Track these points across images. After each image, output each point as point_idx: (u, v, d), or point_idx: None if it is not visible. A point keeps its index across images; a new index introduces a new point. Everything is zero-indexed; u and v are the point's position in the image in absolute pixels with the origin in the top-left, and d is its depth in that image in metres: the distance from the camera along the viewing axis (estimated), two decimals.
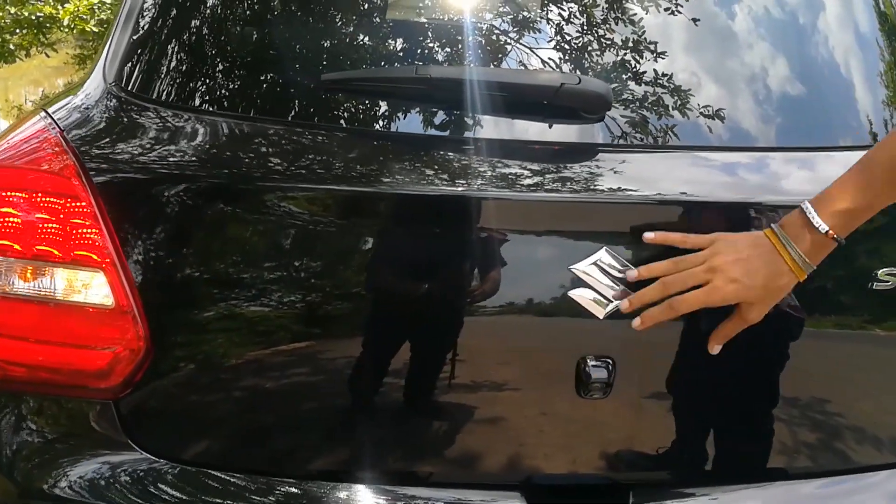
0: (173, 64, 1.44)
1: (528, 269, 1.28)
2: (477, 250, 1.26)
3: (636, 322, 1.21)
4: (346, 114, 1.38)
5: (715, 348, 1.24)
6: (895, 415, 1.41)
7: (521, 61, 1.43)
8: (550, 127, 1.32)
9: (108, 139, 1.32)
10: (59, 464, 1.27)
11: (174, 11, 1.49)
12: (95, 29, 7.99)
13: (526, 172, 1.27)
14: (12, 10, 7.99)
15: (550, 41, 1.46)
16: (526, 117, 1.33)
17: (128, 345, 1.22)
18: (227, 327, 1.26)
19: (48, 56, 9.27)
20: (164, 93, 1.39)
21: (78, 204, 1.21)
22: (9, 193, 1.23)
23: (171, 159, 1.26)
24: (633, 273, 1.21)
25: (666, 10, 1.47)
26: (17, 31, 8.31)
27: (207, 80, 1.43)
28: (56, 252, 1.22)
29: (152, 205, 1.24)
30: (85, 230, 1.21)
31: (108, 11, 8.08)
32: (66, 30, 8.17)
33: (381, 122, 1.38)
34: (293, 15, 1.51)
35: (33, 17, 7.99)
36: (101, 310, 1.22)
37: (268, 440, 1.32)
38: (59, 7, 7.98)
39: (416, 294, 1.28)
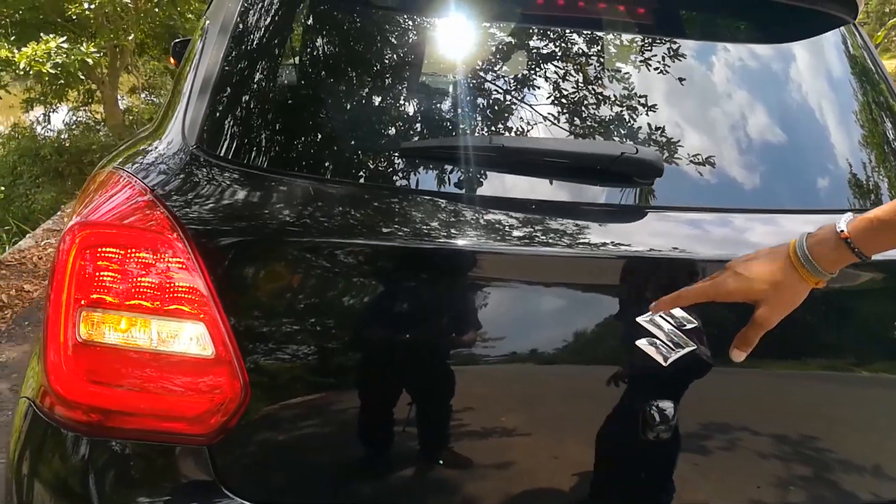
0: (257, 129, 1.54)
1: (596, 321, 1.41)
2: (555, 305, 1.41)
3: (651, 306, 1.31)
4: (423, 177, 1.49)
5: (738, 355, 1.29)
6: None
7: (581, 131, 1.58)
8: (609, 191, 1.47)
9: (197, 197, 1.40)
10: None
11: (257, 78, 1.59)
12: (53, 71, 7.92)
13: (590, 231, 1.41)
14: None
15: (610, 114, 1.61)
16: (588, 182, 1.47)
17: (224, 392, 1.31)
18: (319, 375, 1.37)
19: (0, 98, 9.15)
20: (248, 155, 1.48)
21: (176, 259, 1.30)
22: (109, 250, 1.32)
23: (260, 218, 1.37)
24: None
25: (709, 92, 1.61)
26: None
27: (290, 145, 1.53)
28: (157, 305, 1.30)
29: (246, 259, 1.34)
30: (184, 284, 1.30)
31: (64, 56, 8.03)
32: (22, 73, 8.06)
33: (455, 186, 1.48)
34: (372, 86, 1.63)
35: None
36: (200, 360, 1.31)
37: (358, 486, 1.39)
38: (15, 51, 7.90)
39: (499, 344, 1.39)
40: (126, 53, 10.60)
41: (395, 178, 1.49)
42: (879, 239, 1.16)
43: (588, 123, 1.60)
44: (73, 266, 1.31)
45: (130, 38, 9.60)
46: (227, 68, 1.55)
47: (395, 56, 1.67)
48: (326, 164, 1.50)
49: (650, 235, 1.42)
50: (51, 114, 11.70)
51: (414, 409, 1.38)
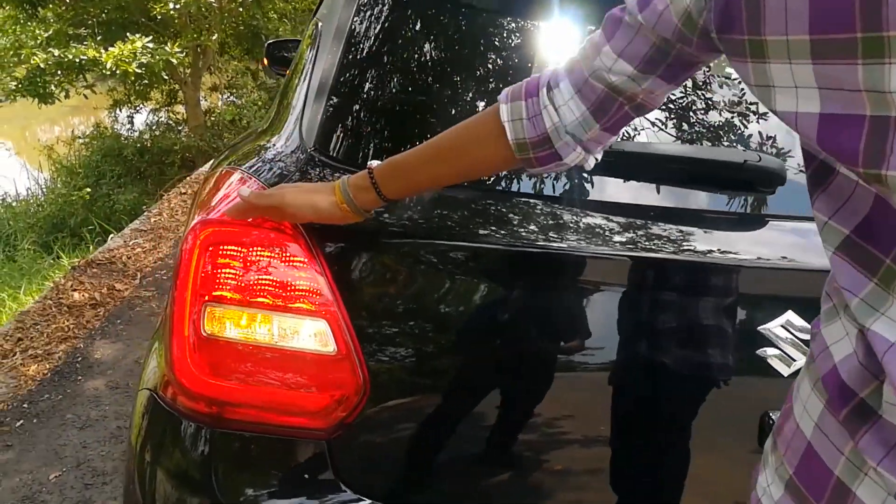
0: (374, 132, 1.50)
1: (719, 330, 1.35)
2: (685, 311, 1.34)
3: None
4: (540, 181, 1.42)
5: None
6: None
7: (698, 137, 1.54)
8: (729, 198, 1.43)
9: None
10: (272, 500, 1.32)
11: (373, 82, 1.55)
12: (139, 71, 8.05)
13: (712, 239, 1.36)
14: (56, 53, 8.04)
15: (724, 120, 1.57)
16: (707, 189, 1.44)
17: (344, 388, 1.28)
18: (435, 373, 1.33)
19: (86, 98, 9.32)
20: (366, 158, 1.44)
21: (298, 257, 1.27)
22: (231, 248, 1.30)
23: (379, 218, 1.32)
24: None
25: None
26: (59, 72, 8.36)
27: (405, 149, 1.47)
28: (279, 302, 1.27)
29: (366, 257, 1.32)
30: (306, 281, 1.27)
31: (150, 56, 8.16)
32: (109, 73, 8.20)
33: (575, 190, 1.42)
34: (487, 90, 1.57)
35: (76, 60, 8.03)
36: (321, 356, 1.28)
37: (471, 484, 1.37)
38: (102, 51, 8.04)
39: (619, 348, 1.33)
40: (209, 53, 10.73)
41: (512, 182, 1.43)
42: (395, 181, 1.19)
43: (705, 129, 1.55)
44: (196, 264, 1.30)
45: (214, 37, 9.71)
46: (342, 72, 1.53)
47: (509, 60, 1.63)
48: None
49: (767, 245, 1.38)
50: (134, 115, 11.91)
51: (530, 410, 1.35)
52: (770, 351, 1.31)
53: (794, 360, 1.30)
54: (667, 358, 1.33)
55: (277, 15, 11.52)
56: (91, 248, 6.93)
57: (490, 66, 1.61)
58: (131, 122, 11.80)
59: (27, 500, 2.62)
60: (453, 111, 1.54)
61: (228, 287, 1.28)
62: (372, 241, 1.31)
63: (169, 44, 8.57)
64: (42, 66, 8.03)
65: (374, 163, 1.23)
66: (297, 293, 1.27)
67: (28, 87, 8.21)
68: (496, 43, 1.63)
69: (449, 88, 1.58)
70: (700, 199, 1.43)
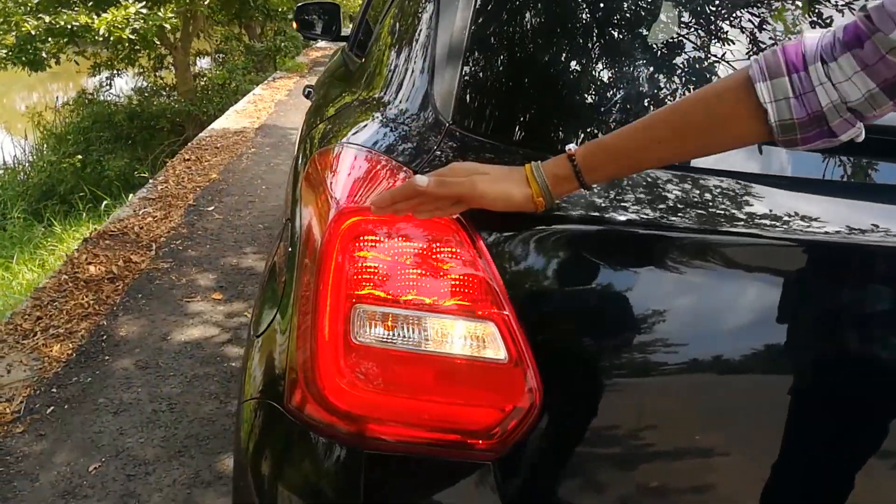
0: (530, 103, 1.30)
1: None
2: None
3: None
4: (760, 159, 1.23)
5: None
6: None
7: None
8: None
9: None
10: None
11: (521, 46, 1.35)
12: (131, 38, 7.83)
13: None
14: (47, 20, 7.80)
15: None
16: None
17: (518, 401, 1.11)
18: (628, 383, 1.13)
19: (77, 64, 9.07)
20: (520, 133, 1.26)
21: (460, 249, 1.10)
22: (380, 239, 1.13)
23: (558, 204, 1.13)
24: None
25: None
26: (49, 39, 8.12)
27: (572, 124, 1.29)
28: (437, 301, 1.10)
29: (540, 249, 1.12)
30: (469, 277, 1.10)
31: (142, 21, 7.94)
32: (101, 38, 7.96)
33: (809, 171, 1.23)
34: (667, 54, 1.35)
35: (68, 27, 7.79)
36: (490, 363, 1.10)
37: None
38: (95, 17, 7.80)
39: (845, 352, 1.15)
40: (199, 18, 10.47)
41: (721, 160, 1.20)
42: (604, 167, 1.06)
43: None
44: (337, 257, 1.13)
45: (206, 2, 9.46)
46: (481, 32, 1.33)
47: (705, 18, 1.40)
48: None
49: None
50: (114, 78, 11.63)
51: (746, 428, 1.15)
52: None
53: None
54: None
55: None
56: (83, 214, 6.74)
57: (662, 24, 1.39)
58: (110, 85, 11.52)
59: (68, 495, 2.46)
60: (629, 74, 1.32)
61: (379, 286, 1.11)
62: (547, 229, 1.12)
63: (162, 9, 8.35)
64: (33, 32, 7.81)
65: (572, 147, 1.07)
66: (459, 291, 1.09)
67: (18, 55, 8.02)
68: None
69: (619, 47, 1.36)
70: None
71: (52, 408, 2.91)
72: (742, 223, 1.11)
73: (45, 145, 10.25)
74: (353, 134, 1.43)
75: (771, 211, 1.14)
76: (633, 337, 1.11)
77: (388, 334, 1.10)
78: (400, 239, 1.12)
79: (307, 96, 3.11)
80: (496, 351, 1.09)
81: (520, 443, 1.12)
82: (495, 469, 1.13)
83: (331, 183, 1.30)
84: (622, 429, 1.15)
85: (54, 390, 3.01)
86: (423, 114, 1.31)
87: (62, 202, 8.14)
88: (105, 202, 7.01)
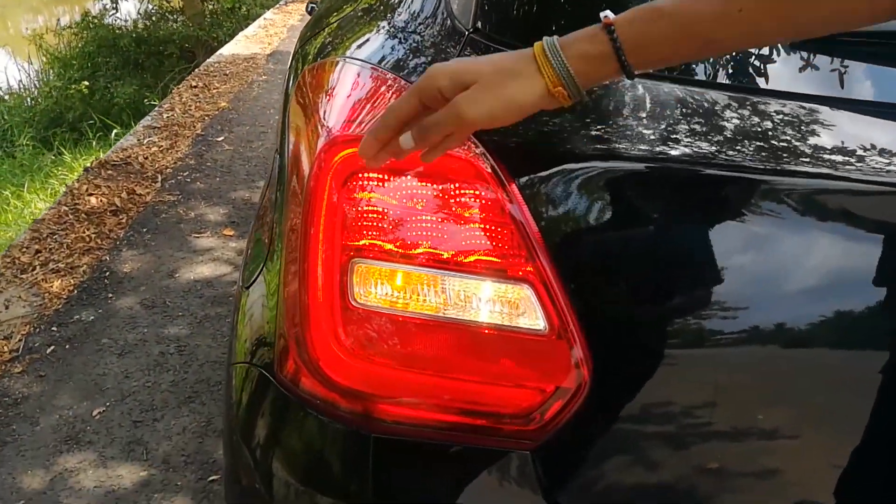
0: (572, 5, 1.09)
1: None
2: None
3: None
4: (833, 78, 1.00)
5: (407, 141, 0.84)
6: None
7: None
8: None
9: None
10: None
11: None
12: None
13: None
14: None
15: None
16: None
17: (561, 380, 0.93)
18: (698, 353, 0.95)
19: None
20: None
21: (485, 190, 0.91)
22: (384, 177, 0.93)
23: (606, 133, 0.93)
24: None
25: None
26: None
27: None
28: (460, 257, 0.91)
29: (585, 191, 0.92)
30: (499, 227, 0.91)
31: None
32: None
33: None
34: None
35: None
36: (526, 335, 0.93)
37: None
38: None
39: None
40: None
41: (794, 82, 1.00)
42: (663, 42, 0.77)
43: None
44: (329, 199, 0.94)
45: None
46: None
47: None
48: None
49: None
50: (120, 1, 11.30)
51: (857, 419, 0.96)
52: None
53: None
54: None
55: None
56: (93, 143, 6.56)
57: None
58: (115, 9, 11.18)
59: (71, 440, 2.35)
60: None
61: (382, 235, 0.92)
62: (589, 165, 0.92)
63: None
64: None
65: (608, 13, 0.78)
66: (484, 244, 0.91)
67: None
68: None
69: None
70: None
71: (52, 347, 2.79)
72: (825, 163, 0.91)
73: (51, 70, 10.00)
74: (355, 48, 1.24)
75: (853, 146, 0.94)
76: (705, 299, 0.92)
77: (401, 298, 0.93)
78: (408, 176, 0.93)
79: (310, 13, 2.87)
80: (533, 319, 0.92)
81: (564, 429, 0.95)
82: (534, 460, 0.96)
83: (323, 107, 1.11)
84: (693, 415, 0.97)
85: (55, 329, 2.89)
86: (438, 21, 1.12)
87: (72, 130, 7.94)
88: (115, 130, 6.82)
